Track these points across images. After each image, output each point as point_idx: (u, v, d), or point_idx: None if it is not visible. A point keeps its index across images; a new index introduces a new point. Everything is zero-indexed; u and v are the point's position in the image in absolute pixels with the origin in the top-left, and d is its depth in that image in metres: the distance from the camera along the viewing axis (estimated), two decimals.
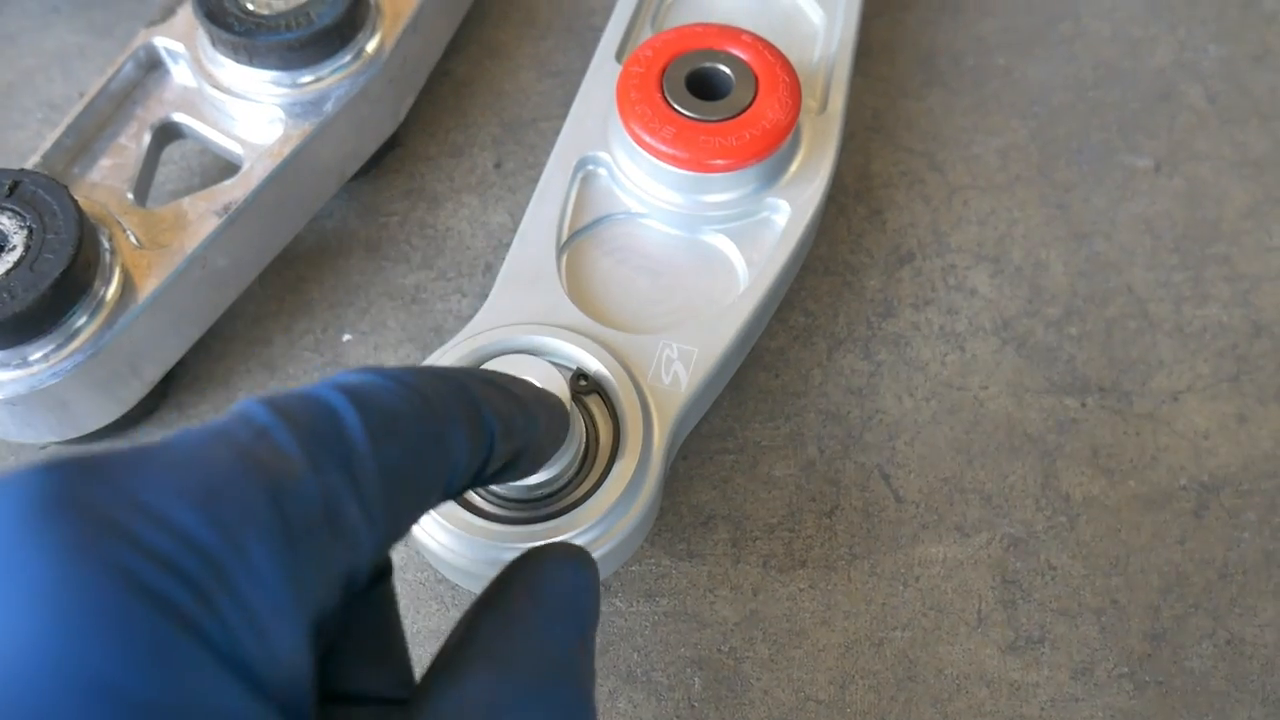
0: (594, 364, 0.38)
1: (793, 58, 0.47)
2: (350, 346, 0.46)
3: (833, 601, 0.41)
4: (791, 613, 0.41)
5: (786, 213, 0.42)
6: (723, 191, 0.42)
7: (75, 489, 0.17)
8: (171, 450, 0.19)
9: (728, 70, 0.42)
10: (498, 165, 0.51)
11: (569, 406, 0.35)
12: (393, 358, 0.46)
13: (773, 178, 0.43)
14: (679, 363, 0.39)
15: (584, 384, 0.39)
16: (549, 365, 0.36)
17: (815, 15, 0.49)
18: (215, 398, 0.45)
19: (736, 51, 0.43)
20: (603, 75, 0.46)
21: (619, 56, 0.47)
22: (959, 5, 0.57)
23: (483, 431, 0.24)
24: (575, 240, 0.43)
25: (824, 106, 0.45)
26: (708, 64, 0.42)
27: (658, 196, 0.42)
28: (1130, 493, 0.43)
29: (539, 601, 0.25)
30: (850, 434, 0.44)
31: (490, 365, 0.36)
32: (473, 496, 0.37)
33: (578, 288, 0.42)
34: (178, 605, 0.17)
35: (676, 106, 0.41)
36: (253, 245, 0.45)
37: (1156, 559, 0.42)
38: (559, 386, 0.35)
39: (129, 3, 0.56)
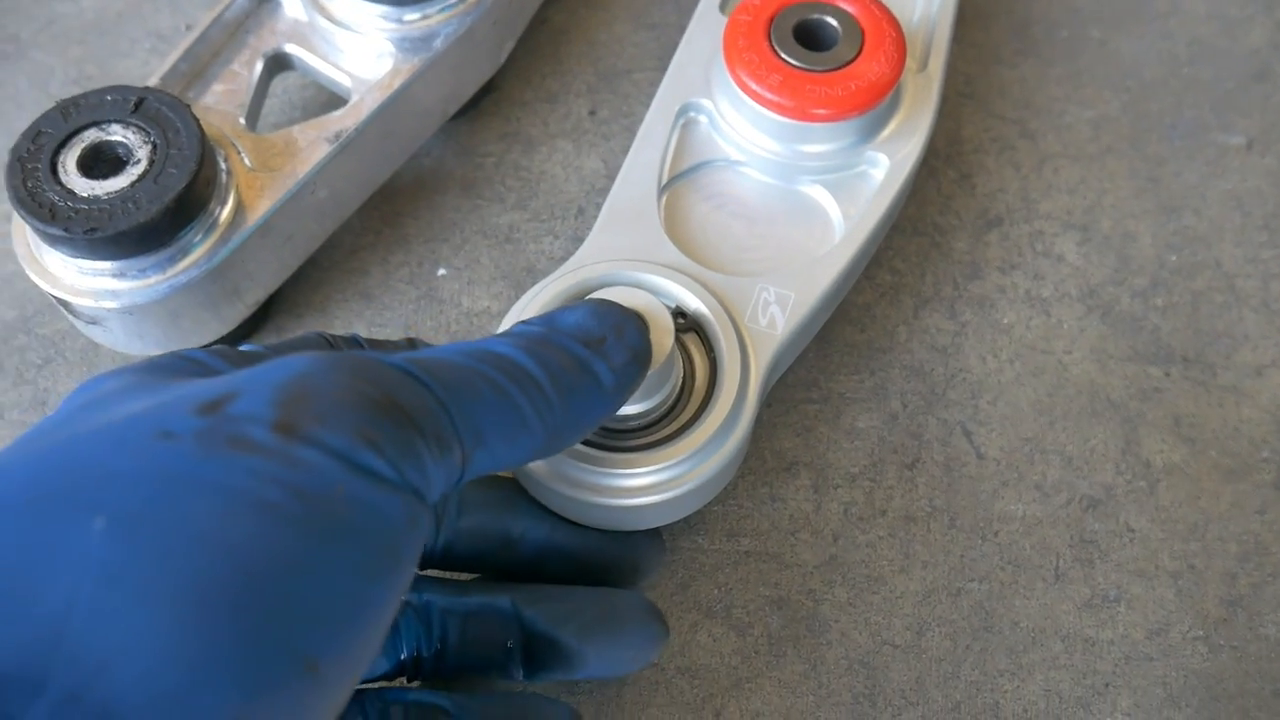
0: (693, 301, 0.39)
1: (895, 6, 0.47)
2: (445, 281, 0.47)
3: (911, 551, 0.42)
4: (870, 559, 0.42)
5: (885, 167, 0.43)
6: (822, 142, 0.43)
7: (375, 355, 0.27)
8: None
9: (835, 23, 0.43)
10: (592, 112, 0.52)
11: (672, 338, 0.36)
12: (485, 294, 0.47)
13: (872, 132, 0.43)
14: (775, 306, 0.40)
15: (682, 321, 0.39)
16: (652, 298, 0.36)
17: None
18: (312, 324, 0.47)
19: (844, 5, 0.43)
20: (707, 24, 0.46)
21: (723, 8, 0.47)
22: None
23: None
24: (674, 184, 0.44)
25: (924, 65, 0.46)
26: (815, 15, 0.43)
27: (758, 144, 0.43)
28: (1211, 462, 0.44)
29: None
30: (934, 390, 0.45)
31: (598, 295, 0.37)
32: None
33: (676, 230, 0.42)
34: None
35: (783, 55, 0.42)
36: (357, 176, 0.46)
37: (1235, 528, 0.42)
38: (663, 319, 0.36)
39: None
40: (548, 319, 0.32)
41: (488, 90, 0.52)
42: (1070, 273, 0.48)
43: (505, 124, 0.52)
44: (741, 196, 0.44)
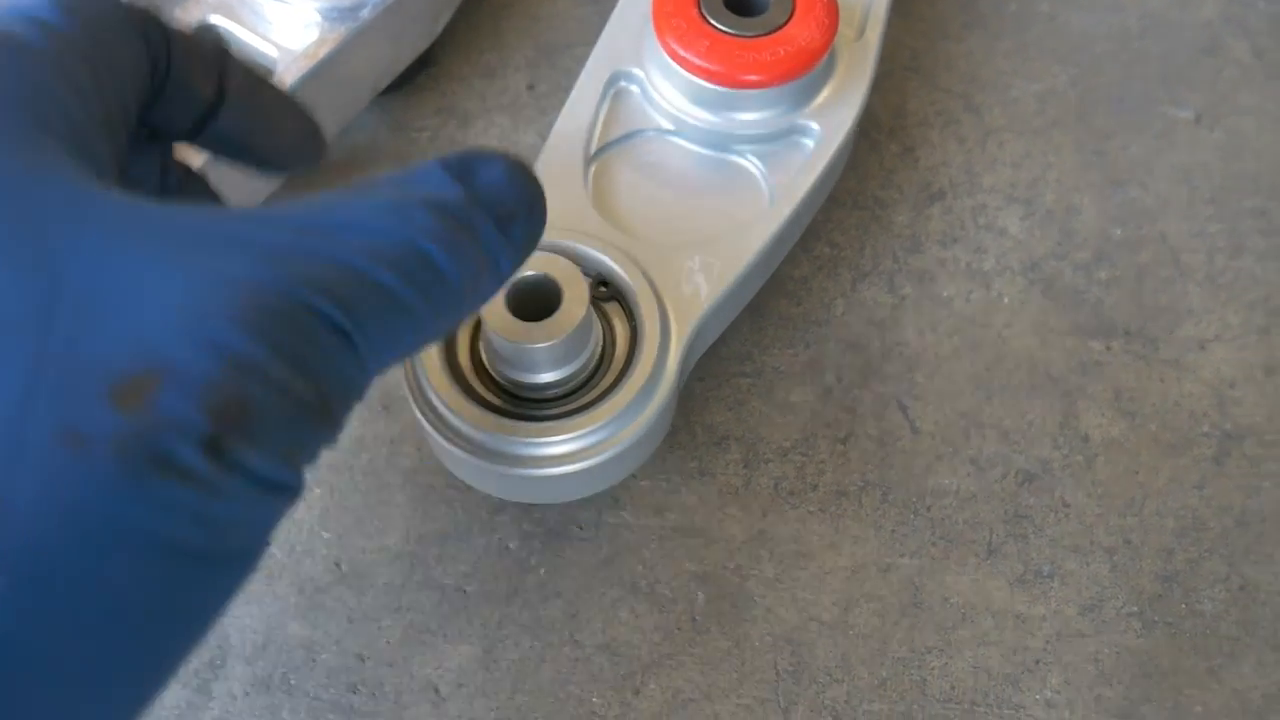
0: (614, 269, 0.38)
1: None
2: None
3: (842, 526, 0.41)
4: (800, 535, 0.41)
5: (817, 136, 0.42)
6: (753, 110, 0.42)
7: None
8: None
9: None
10: (530, 87, 0.51)
11: (585, 306, 0.35)
12: None
13: (805, 100, 0.42)
14: (700, 274, 0.39)
15: (604, 290, 0.39)
16: (570, 265, 0.36)
17: None
18: None
19: None
20: None
21: None
22: None
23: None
24: (604, 154, 0.43)
25: (861, 34, 0.45)
26: None
27: (688, 113, 0.42)
28: (1150, 436, 0.43)
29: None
30: (869, 364, 0.44)
31: None
32: (485, 390, 0.37)
33: (604, 199, 0.42)
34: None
35: (712, 21, 0.41)
36: None
37: (1173, 503, 0.41)
38: (578, 287, 0.35)
39: None
40: (468, 176, 0.25)
41: (424, 64, 0.51)
42: (1012, 246, 0.47)
43: (441, 99, 0.51)
44: (672, 166, 0.43)
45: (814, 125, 0.42)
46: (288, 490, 0.22)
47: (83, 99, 0.24)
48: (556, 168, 0.41)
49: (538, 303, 0.35)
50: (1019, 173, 0.49)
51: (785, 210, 0.40)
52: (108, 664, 0.20)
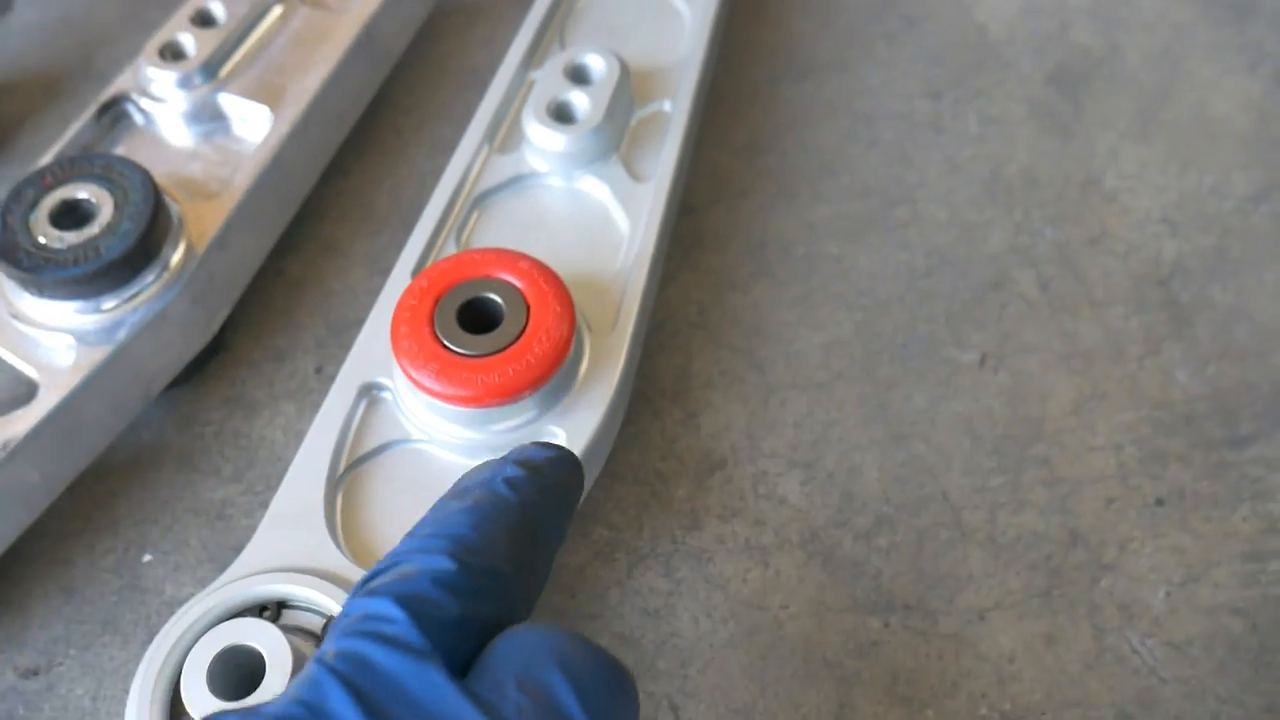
0: None
1: (596, 268, 0.47)
2: (149, 568, 0.46)
3: None
4: None
5: (562, 439, 0.42)
6: (499, 421, 0.42)
7: None
8: None
9: (499, 299, 0.42)
10: (319, 370, 0.51)
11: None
12: (190, 580, 0.46)
13: (549, 405, 0.42)
14: None
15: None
16: (280, 639, 0.35)
17: (623, 223, 0.49)
18: (10, 625, 0.45)
19: (510, 278, 0.42)
20: (396, 293, 0.46)
21: (414, 274, 0.47)
22: (795, 190, 0.57)
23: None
24: (357, 469, 0.43)
25: (613, 326, 0.45)
26: (481, 294, 0.42)
27: (436, 427, 0.42)
28: None
29: None
30: (642, 661, 0.43)
31: (215, 631, 0.35)
32: None
33: (353, 523, 0.41)
34: None
35: (443, 340, 0.41)
36: (44, 472, 0.45)
37: None
38: (284, 654, 0.35)
39: None
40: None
41: (214, 351, 0.51)
42: (792, 516, 0.47)
43: (230, 387, 0.51)
44: (426, 479, 0.43)
45: (560, 430, 0.42)
46: None
47: None
48: (297, 495, 0.41)
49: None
50: (800, 433, 0.49)
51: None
52: None
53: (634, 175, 0.50)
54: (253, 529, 0.46)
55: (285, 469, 0.48)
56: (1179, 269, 0.54)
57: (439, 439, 0.42)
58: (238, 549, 0.46)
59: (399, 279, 0.47)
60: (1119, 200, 0.56)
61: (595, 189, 0.50)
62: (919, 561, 0.45)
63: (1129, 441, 0.48)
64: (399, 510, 0.42)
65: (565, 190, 0.51)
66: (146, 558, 0.46)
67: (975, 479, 0.47)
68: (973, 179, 0.57)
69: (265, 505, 0.47)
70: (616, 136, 0.51)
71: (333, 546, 0.40)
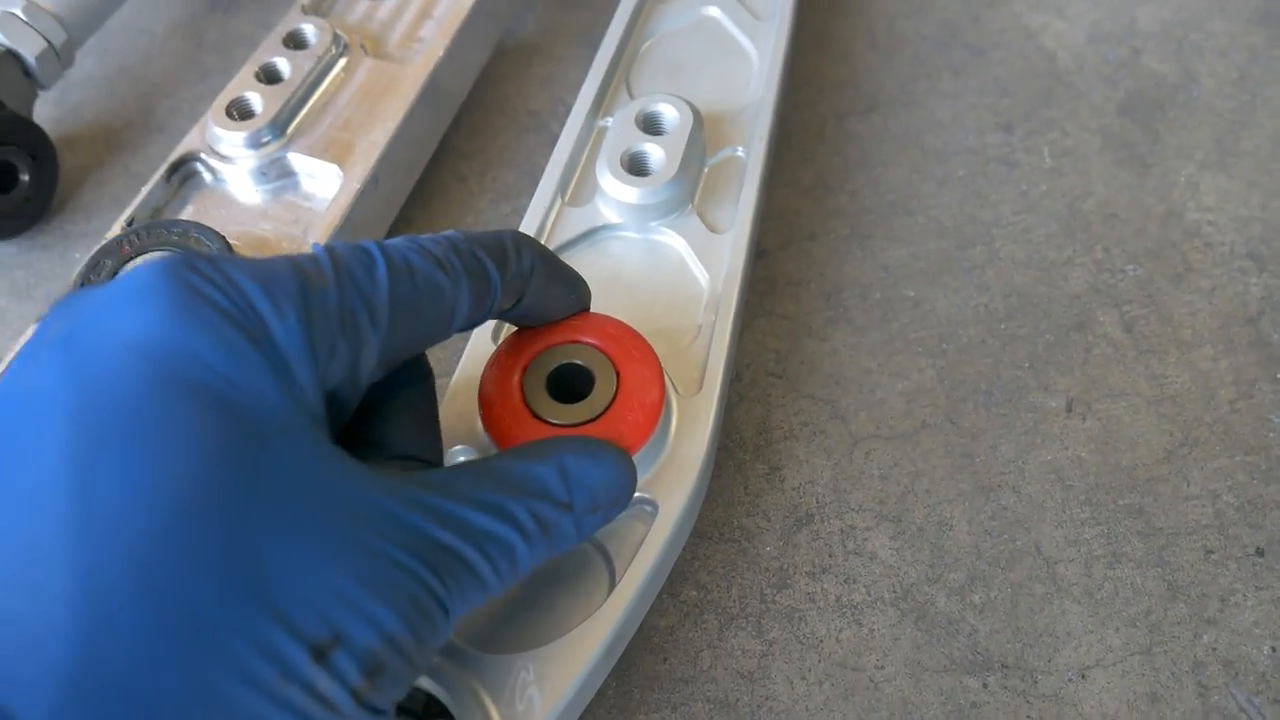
0: (434, 687, 0.37)
1: (676, 323, 0.47)
2: None
3: None
4: None
5: (655, 510, 0.41)
6: None
7: (193, 261, 0.28)
8: (255, 260, 0.29)
9: (587, 365, 0.41)
10: None
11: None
12: None
13: (640, 473, 0.42)
14: (534, 687, 0.38)
15: (419, 712, 0.38)
16: None
17: (701, 277, 0.48)
18: None
19: (595, 342, 0.42)
20: (477, 357, 0.45)
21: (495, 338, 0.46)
22: (868, 231, 0.56)
23: (488, 284, 0.34)
24: None
25: (699, 387, 0.44)
26: (570, 360, 0.42)
27: None
28: None
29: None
30: None
31: None
32: None
33: None
34: (241, 324, 0.27)
35: (536, 412, 0.40)
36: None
37: None
38: None
39: (51, 263, 0.58)
40: (577, 487, 0.34)
41: None
42: (883, 572, 0.46)
43: None
44: None
45: (650, 498, 0.41)
46: (386, 717, 0.29)
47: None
48: None
49: None
50: (887, 485, 0.48)
51: (620, 605, 0.39)
52: None
53: (710, 226, 0.50)
54: None
55: None
56: (1268, 305, 0.52)
57: None
58: None
59: (479, 344, 0.46)
60: (1201, 234, 0.55)
61: (672, 240, 0.50)
62: (1015, 618, 0.45)
63: (1225, 489, 0.47)
64: None
65: (641, 242, 0.50)
66: None
67: (1069, 531, 0.47)
68: (1049, 215, 0.56)
69: None
70: (691, 186, 0.51)
71: None
